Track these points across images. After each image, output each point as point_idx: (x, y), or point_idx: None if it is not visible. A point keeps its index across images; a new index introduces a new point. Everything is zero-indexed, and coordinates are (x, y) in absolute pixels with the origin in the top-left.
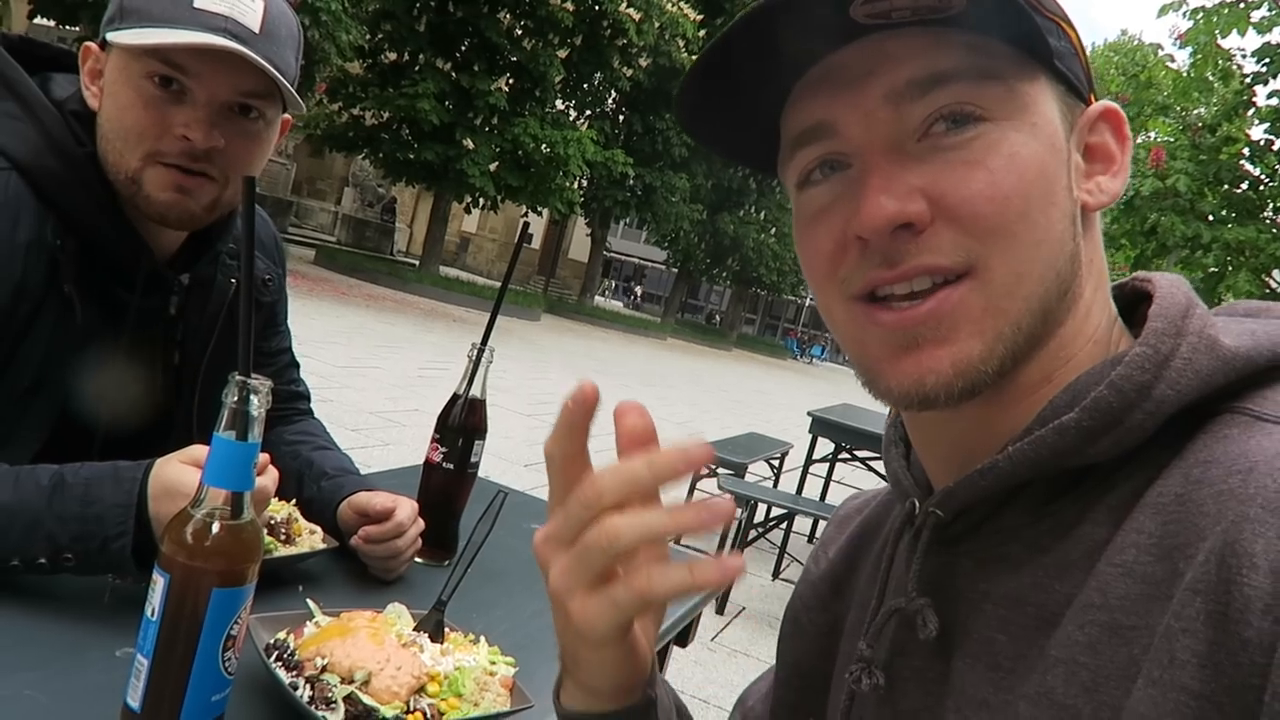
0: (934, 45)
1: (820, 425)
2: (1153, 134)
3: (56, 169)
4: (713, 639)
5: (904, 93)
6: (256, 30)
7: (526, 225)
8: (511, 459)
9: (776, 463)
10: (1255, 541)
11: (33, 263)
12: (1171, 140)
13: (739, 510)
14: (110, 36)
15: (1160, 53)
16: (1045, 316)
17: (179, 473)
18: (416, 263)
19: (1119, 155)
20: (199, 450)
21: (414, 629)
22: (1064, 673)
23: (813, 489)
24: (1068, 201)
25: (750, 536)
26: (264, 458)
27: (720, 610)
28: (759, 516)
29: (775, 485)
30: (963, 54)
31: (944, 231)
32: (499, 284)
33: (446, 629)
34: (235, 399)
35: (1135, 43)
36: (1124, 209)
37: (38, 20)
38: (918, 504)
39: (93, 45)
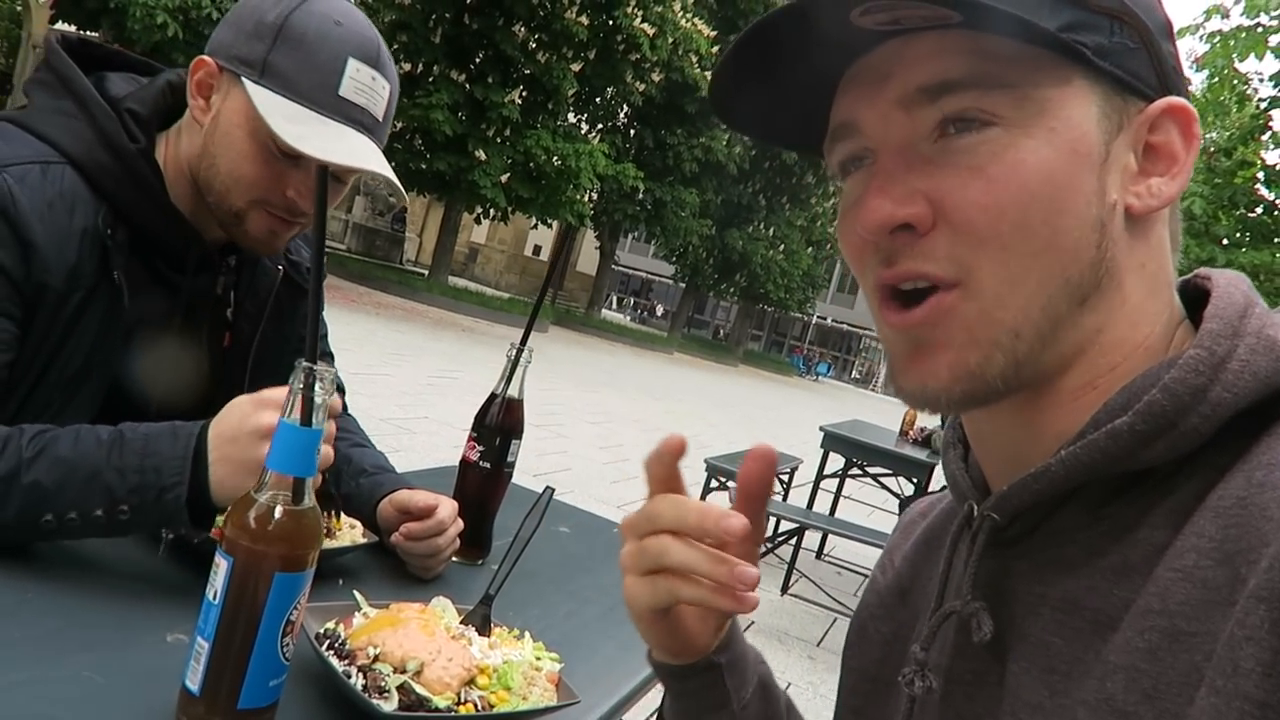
0: (947, 51)
1: (832, 440)
2: None
3: (108, 163)
4: None
5: (914, 98)
6: (380, 118)
7: (568, 227)
8: (521, 468)
9: (786, 477)
10: None
11: (87, 250)
12: None
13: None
14: (251, 89)
15: None
16: (1056, 324)
17: (240, 409)
18: (426, 272)
19: (1182, 155)
20: (264, 394)
21: (460, 622)
22: (1124, 679)
23: (822, 504)
24: (1090, 207)
25: (759, 551)
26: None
27: None
28: (768, 531)
29: (784, 500)
30: (976, 60)
31: (941, 237)
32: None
33: (492, 624)
34: (301, 385)
35: None
36: None
37: (59, 25)
38: (975, 507)
39: (208, 60)
